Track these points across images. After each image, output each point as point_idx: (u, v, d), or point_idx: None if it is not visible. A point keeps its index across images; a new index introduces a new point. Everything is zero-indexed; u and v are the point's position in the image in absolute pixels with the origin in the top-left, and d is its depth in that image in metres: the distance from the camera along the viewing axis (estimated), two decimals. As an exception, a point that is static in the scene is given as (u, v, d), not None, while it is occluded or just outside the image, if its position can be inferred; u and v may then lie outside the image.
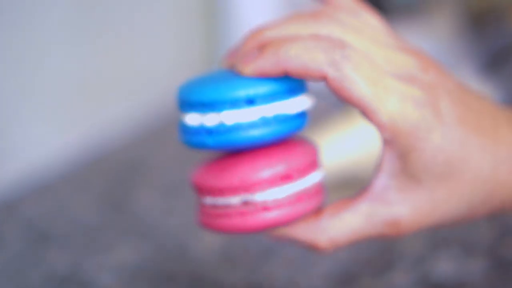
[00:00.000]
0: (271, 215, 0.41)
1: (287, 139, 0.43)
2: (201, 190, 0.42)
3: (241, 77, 0.41)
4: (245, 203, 0.41)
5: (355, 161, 0.70)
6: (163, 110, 1.02)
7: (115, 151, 0.87)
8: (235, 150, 0.42)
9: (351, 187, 0.69)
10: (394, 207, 0.42)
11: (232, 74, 0.41)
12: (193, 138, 0.41)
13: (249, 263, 0.58)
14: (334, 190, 0.69)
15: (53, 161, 0.84)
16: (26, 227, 0.67)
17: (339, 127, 0.72)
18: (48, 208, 0.71)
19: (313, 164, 0.42)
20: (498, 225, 0.61)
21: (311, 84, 0.99)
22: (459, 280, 0.53)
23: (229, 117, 0.40)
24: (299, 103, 0.41)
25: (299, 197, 0.41)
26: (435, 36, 1.09)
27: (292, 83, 0.41)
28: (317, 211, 0.43)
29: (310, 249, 0.43)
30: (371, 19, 0.43)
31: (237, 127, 0.40)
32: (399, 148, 0.40)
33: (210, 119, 0.40)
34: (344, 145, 0.70)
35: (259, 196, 0.41)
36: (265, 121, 0.40)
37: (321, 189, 0.43)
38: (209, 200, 0.42)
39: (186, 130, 0.42)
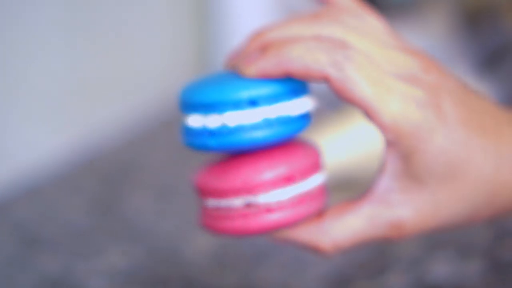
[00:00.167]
0: (274, 217, 0.41)
1: (289, 141, 0.43)
2: (204, 192, 0.42)
3: (243, 78, 0.40)
4: (248, 205, 0.41)
5: (352, 162, 0.69)
6: (155, 112, 1.02)
7: (107, 154, 0.86)
8: (237, 152, 0.42)
9: (348, 187, 0.69)
10: (397, 209, 0.42)
11: (234, 75, 0.41)
12: (195, 139, 0.41)
13: (242, 267, 0.57)
14: (332, 190, 0.69)
15: (43, 163, 0.83)
16: (16, 230, 0.66)
17: (336, 128, 0.71)
18: (39, 211, 0.71)
19: (315, 166, 0.42)
20: (494, 226, 0.61)
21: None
22: (455, 283, 0.53)
23: (231, 118, 0.40)
24: (302, 105, 0.41)
25: (301, 199, 0.41)
26: (430, 34, 1.10)
27: (294, 84, 0.41)
28: (320, 214, 0.43)
29: (313, 251, 0.43)
30: (372, 20, 0.43)
31: (239, 129, 0.40)
32: (401, 149, 0.40)
33: (212, 121, 0.40)
34: (341, 146, 0.69)
35: (262, 198, 0.40)
36: (267, 123, 0.40)
37: (323, 191, 0.43)
38: (211, 202, 0.42)
39: (188, 132, 0.42)
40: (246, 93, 0.39)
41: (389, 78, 0.39)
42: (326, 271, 0.56)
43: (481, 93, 0.44)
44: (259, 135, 0.40)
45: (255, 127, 0.40)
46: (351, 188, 0.69)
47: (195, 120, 0.41)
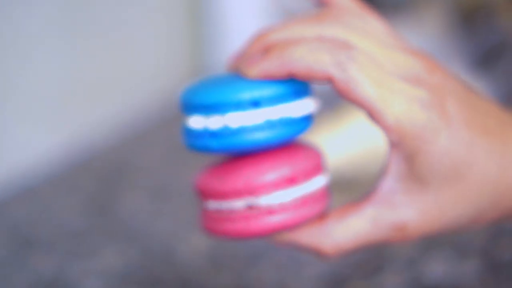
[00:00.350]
0: (276, 219, 0.40)
1: (291, 142, 0.43)
2: (205, 194, 0.42)
3: (246, 79, 0.40)
4: (250, 207, 0.40)
5: (351, 161, 0.69)
6: (150, 112, 1.01)
7: (102, 154, 0.86)
8: (239, 154, 0.42)
9: (348, 187, 0.69)
10: (400, 210, 0.41)
11: (237, 76, 0.41)
12: (196, 141, 0.41)
13: (237, 267, 0.57)
14: (331, 190, 0.68)
15: (39, 163, 0.83)
16: (11, 230, 0.66)
17: (334, 127, 0.71)
18: (34, 211, 0.70)
19: (318, 168, 0.42)
20: (492, 227, 0.61)
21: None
22: (452, 282, 0.53)
23: (233, 119, 0.39)
24: (304, 106, 0.41)
25: (304, 201, 0.41)
26: (425, 33, 1.10)
27: (297, 85, 0.40)
28: (322, 216, 0.43)
29: (315, 254, 0.43)
30: (372, 21, 0.43)
31: (241, 130, 0.39)
32: (405, 151, 0.40)
33: (214, 122, 0.40)
34: (340, 145, 0.69)
35: (264, 200, 0.40)
36: (270, 124, 0.40)
37: (326, 193, 0.43)
38: (212, 204, 0.41)
39: (189, 134, 0.41)
40: (249, 94, 0.39)
41: (392, 79, 0.39)
42: (322, 271, 0.55)
43: (483, 94, 0.44)
44: (261, 136, 0.40)
45: (257, 128, 0.39)
46: (350, 188, 0.69)
47: (196, 122, 0.40)
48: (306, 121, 0.41)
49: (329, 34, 0.40)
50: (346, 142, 0.70)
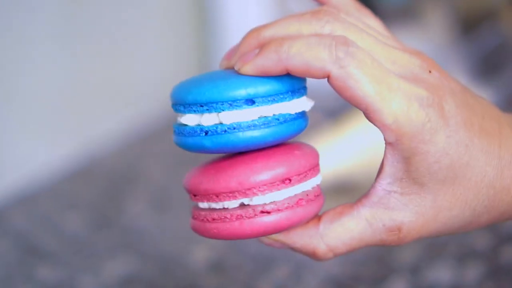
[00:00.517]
0: (270, 220, 0.39)
1: (286, 142, 0.42)
2: (196, 194, 0.40)
3: (240, 76, 0.39)
4: (243, 207, 0.39)
5: (349, 168, 0.69)
6: (153, 121, 1.01)
7: (104, 163, 0.85)
8: (233, 152, 0.41)
9: (348, 194, 0.68)
10: (396, 212, 0.40)
11: (231, 73, 0.40)
12: (189, 139, 0.40)
13: (241, 276, 0.56)
14: (331, 197, 0.68)
15: (41, 173, 0.82)
16: (15, 241, 0.65)
17: (335, 135, 0.71)
18: (37, 221, 0.70)
19: (313, 168, 0.41)
20: (494, 232, 0.60)
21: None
22: (455, 288, 0.52)
23: (227, 117, 0.38)
24: (300, 104, 0.40)
25: (298, 201, 0.40)
26: (427, 39, 1.09)
27: (293, 83, 0.39)
28: (317, 217, 0.42)
29: (309, 256, 0.42)
30: (370, 19, 0.42)
31: (236, 128, 0.38)
32: (402, 151, 0.39)
33: (207, 120, 0.39)
34: (341, 153, 0.69)
35: (258, 200, 0.39)
36: (265, 122, 0.39)
37: (320, 194, 0.42)
38: (204, 204, 0.40)
39: (181, 132, 0.40)
40: (244, 91, 0.38)
41: (391, 76, 0.38)
42: (327, 279, 0.55)
43: (481, 95, 0.43)
44: (256, 134, 0.38)
45: (252, 126, 0.38)
46: (351, 196, 0.68)
47: (189, 119, 0.39)
48: (302, 120, 0.40)
49: (326, 30, 0.39)
50: (347, 150, 0.69)
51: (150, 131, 0.96)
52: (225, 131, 0.38)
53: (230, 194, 0.39)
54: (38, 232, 0.67)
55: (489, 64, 0.93)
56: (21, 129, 0.81)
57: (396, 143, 0.39)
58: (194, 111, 0.39)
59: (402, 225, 0.40)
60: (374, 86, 0.38)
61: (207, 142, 0.39)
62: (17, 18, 0.80)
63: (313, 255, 0.41)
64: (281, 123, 0.39)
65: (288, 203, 0.40)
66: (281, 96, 0.39)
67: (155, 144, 0.91)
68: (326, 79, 0.39)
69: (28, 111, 0.82)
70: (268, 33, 0.40)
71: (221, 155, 0.42)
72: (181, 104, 0.40)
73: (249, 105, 0.38)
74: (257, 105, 0.38)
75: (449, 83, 0.40)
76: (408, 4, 1.24)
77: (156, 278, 0.57)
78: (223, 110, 0.38)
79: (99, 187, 0.78)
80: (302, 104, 0.40)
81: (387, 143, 0.39)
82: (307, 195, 0.40)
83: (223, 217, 0.40)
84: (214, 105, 0.38)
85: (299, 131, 0.40)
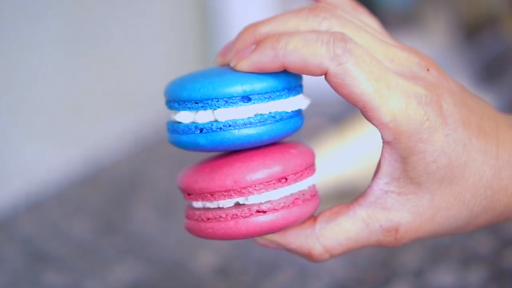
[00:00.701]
0: (266, 219, 0.38)
1: (282, 141, 0.41)
2: (190, 193, 0.40)
3: (236, 73, 0.38)
4: (238, 207, 0.38)
5: (353, 174, 0.68)
6: (157, 126, 1.00)
7: (110, 169, 0.85)
8: (228, 150, 0.40)
9: (349, 199, 0.68)
10: (393, 212, 0.40)
11: (226, 70, 0.39)
12: (183, 137, 0.39)
13: (246, 281, 0.56)
14: (327, 202, 0.67)
15: (47, 180, 0.82)
16: (22, 247, 0.65)
17: (337, 140, 0.70)
18: (44, 227, 0.69)
19: (309, 168, 0.40)
20: (497, 236, 0.59)
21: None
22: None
23: (223, 114, 0.38)
24: (297, 102, 0.39)
25: (294, 201, 0.39)
26: (429, 44, 1.09)
27: (289, 80, 0.39)
28: (313, 217, 0.41)
29: (305, 257, 0.41)
30: (367, 19, 0.42)
31: (231, 125, 0.38)
32: (400, 150, 0.38)
33: (202, 117, 0.38)
34: (342, 158, 0.68)
35: (253, 199, 0.38)
36: (261, 120, 0.38)
37: (316, 194, 0.41)
38: (198, 203, 0.40)
39: (175, 129, 0.39)
40: (240, 88, 0.38)
41: (390, 74, 0.38)
42: (331, 283, 0.54)
43: (480, 96, 0.43)
44: (252, 132, 0.38)
45: (248, 124, 0.38)
46: (345, 199, 0.68)
47: (183, 116, 0.39)
48: (298, 118, 0.40)
49: (324, 27, 0.39)
50: (351, 155, 0.69)
51: (156, 137, 0.95)
52: (221, 128, 0.38)
53: (226, 193, 0.38)
54: (44, 238, 0.67)
55: (491, 69, 0.92)
56: (28, 135, 0.81)
57: (393, 142, 0.38)
58: (189, 108, 0.38)
59: (399, 226, 0.40)
60: (372, 84, 0.37)
61: (202, 140, 0.38)
62: (25, 26, 0.80)
63: (308, 256, 0.40)
64: (277, 121, 0.38)
65: (284, 203, 0.39)
66: (278, 94, 0.38)
67: (160, 150, 0.91)
68: (323, 76, 0.38)
69: (35, 117, 0.81)
70: (264, 29, 0.39)
71: (216, 153, 0.41)
72: (175, 100, 0.39)
73: (245, 102, 0.38)
74: (253, 103, 0.38)
75: (448, 82, 0.40)
76: (410, 9, 1.24)
77: (162, 283, 0.56)
78: (218, 107, 0.38)
79: (106, 192, 0.78)
80: (299, 102, 0.40)
81: (385, 142, 0.39)
82: (303, 194, 0.40)
83: (218, 217, 0.39)
84: (210, 102, 0.38)
85: (295, 129, 0.40)
